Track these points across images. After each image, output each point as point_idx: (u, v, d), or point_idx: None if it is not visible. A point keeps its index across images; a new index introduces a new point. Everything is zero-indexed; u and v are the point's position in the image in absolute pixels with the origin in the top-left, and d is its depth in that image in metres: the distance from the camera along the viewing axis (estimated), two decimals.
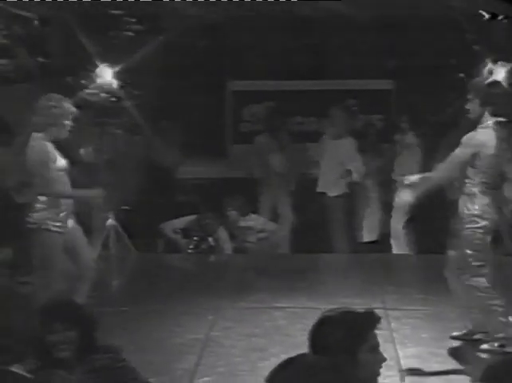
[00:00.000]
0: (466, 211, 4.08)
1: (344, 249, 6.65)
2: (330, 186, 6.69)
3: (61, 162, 4.17)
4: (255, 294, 5.17)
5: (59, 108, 4.00)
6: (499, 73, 6.30)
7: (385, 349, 4.22)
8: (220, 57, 7.55)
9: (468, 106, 4.01)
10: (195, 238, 6.66)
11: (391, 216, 6.87)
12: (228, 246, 6.73)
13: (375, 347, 2.22)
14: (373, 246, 6.83)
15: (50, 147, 4.09)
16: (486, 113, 3.96)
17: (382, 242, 6.90)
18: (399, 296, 5.32)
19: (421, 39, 7.06)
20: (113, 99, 6.35)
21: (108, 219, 6.37)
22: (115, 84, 6.41)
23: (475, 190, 4.02)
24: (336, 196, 6.69)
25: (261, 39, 7.31)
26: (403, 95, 7.39)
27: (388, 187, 6.96)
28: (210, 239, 6.63)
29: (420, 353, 4.31)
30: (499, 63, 6.30)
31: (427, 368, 4.11)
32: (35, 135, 4.07)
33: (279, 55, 7.49)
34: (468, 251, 4.15)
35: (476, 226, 4.11)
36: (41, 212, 4.07)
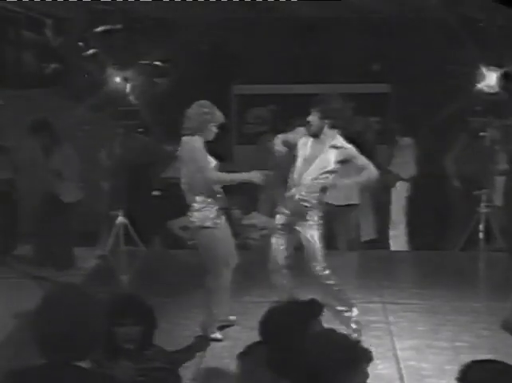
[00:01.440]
0: None
1: (345, 247, 6.64)
2: None
3: (213, 161, 4.32)
4: (258, 289, 5.15)
5: (210, 115, 4.17)
6: (491, 78, 6.32)
7: (383, 341, 4.36)
8: (224, 61, 7.55)
9: (309, 118, 4.15)
10: None
11: (387, 215, 6.87)
12: None
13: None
14: (372, 244, 6.83)
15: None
16: (326, 126, 4.16)
17: (380, 240, 6.91)
18: (397, 290, 5.36)
19: (418, 43, 7.05)
20: (124, 102, 6.38)
21: (118, 217, 6.39)
22: (126, 87, 6.43)
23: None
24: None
25: (264, 44, 7.31)
26: (400, 98, 7.39)
27: (385, 186, 6.97)
28: None
29: (417, 345, 4.35)
30: (491, 68, 6.31)
31: (423, 360, 4.13)
32: (186, 138, 4.23)
33: (282, 59, 7.48)
34: None
35: None
36: (201, 211, 4.25)
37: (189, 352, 4.15)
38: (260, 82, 7.66)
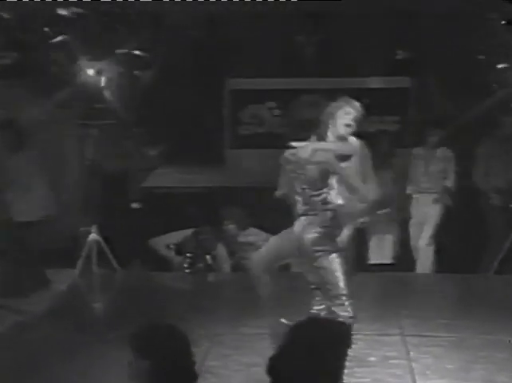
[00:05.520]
0: None
1: (352, 270, 6.61)
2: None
3: None
4: (257, 318, 5.07)
5: (344, 110, 4.17)
6: None
7: (403, 381, 4.33)
8: (218, 52, 7.58)
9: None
10: (190, 254, 6.68)
11: (408, 234, 6.86)
12: (227, 265, 6.76)
13: None
14: (387, 266, 6.82)
15: None
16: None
17: (399, 264, 6.89)
18: (419, 321, 5.35)
19: (442, 30, 7.07)
20: (98, 99, 6.38)
21: (90, 234, 6.38)
22: (100, 81, 6.42)
23: None
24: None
25: (263, 33, 7.32)
26: (423, 94, 7.41)
27: (404, 202, 6.95)
28: (207, 257, 6.64)
29: None
30: None
31: None
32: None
33: (283, 51, 7.50)
34: None
35: None
36: None
37: None
38: (258, 76, 7.68)
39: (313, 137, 4.21)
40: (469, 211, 6.87)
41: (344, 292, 4.06)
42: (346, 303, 4.05)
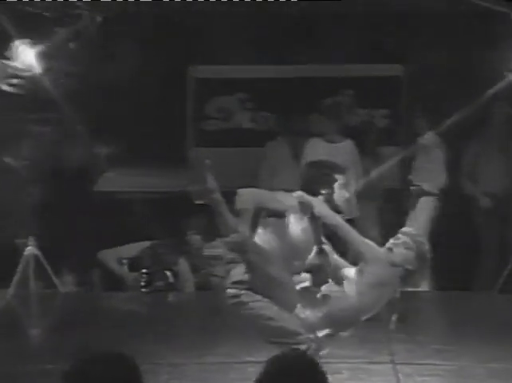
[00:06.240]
0: None
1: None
2: None
3: None
4: (223, 345, 5.17)
5: None
6: None
7: None
8: (180, 36, 7.55)
9: None
10: (146, 271, 6.65)
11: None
12: (190, 282, 6.74)
13: None
14: None
15: None
16: None
17: None
18: (412, 346, 5.35)
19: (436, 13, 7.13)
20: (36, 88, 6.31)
21: (26, 246, 6.31)
22: (37, 68, 6.34)
23: None
24: None
25: (232, 13, 7.31)
26: (416, 83, 7.44)
27: (396, 204, 6.99)
28: (167, 274, 6.62)
29: None
30: None
31: None
32: None
33: (254, 33, 7.48)
34: None
35: None
36: None
37: None
38: (227, 62, 7.67)
39: None
40: (470, 218, 6.91)
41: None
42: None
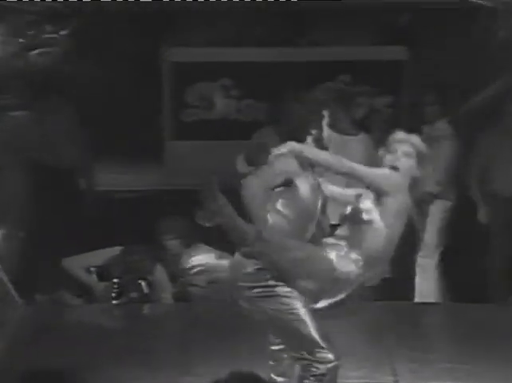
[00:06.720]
0: None
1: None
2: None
3: None
4: (205, 363, 5.17)
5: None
6: None
7: None
8: (154, 15, 7.45)
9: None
10: (118, 280, 6.64)
11: (411, 248, 6.83)
12: (168, 293, 6.71)
13: None
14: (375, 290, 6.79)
15: None
16: None
17: (389, 286, 6.85)
18: (418, 365, 5.35)
19: None
20: None
21: None
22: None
23: None
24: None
25: None
26: (423, 67, 7.44)
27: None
28: (142, 283, 6.60)
29: None
30: None
31: None
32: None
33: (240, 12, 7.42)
34: None
35: None
36: None
37: None
38: (207, 44, 7.63)
39: None
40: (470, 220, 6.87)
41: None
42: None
